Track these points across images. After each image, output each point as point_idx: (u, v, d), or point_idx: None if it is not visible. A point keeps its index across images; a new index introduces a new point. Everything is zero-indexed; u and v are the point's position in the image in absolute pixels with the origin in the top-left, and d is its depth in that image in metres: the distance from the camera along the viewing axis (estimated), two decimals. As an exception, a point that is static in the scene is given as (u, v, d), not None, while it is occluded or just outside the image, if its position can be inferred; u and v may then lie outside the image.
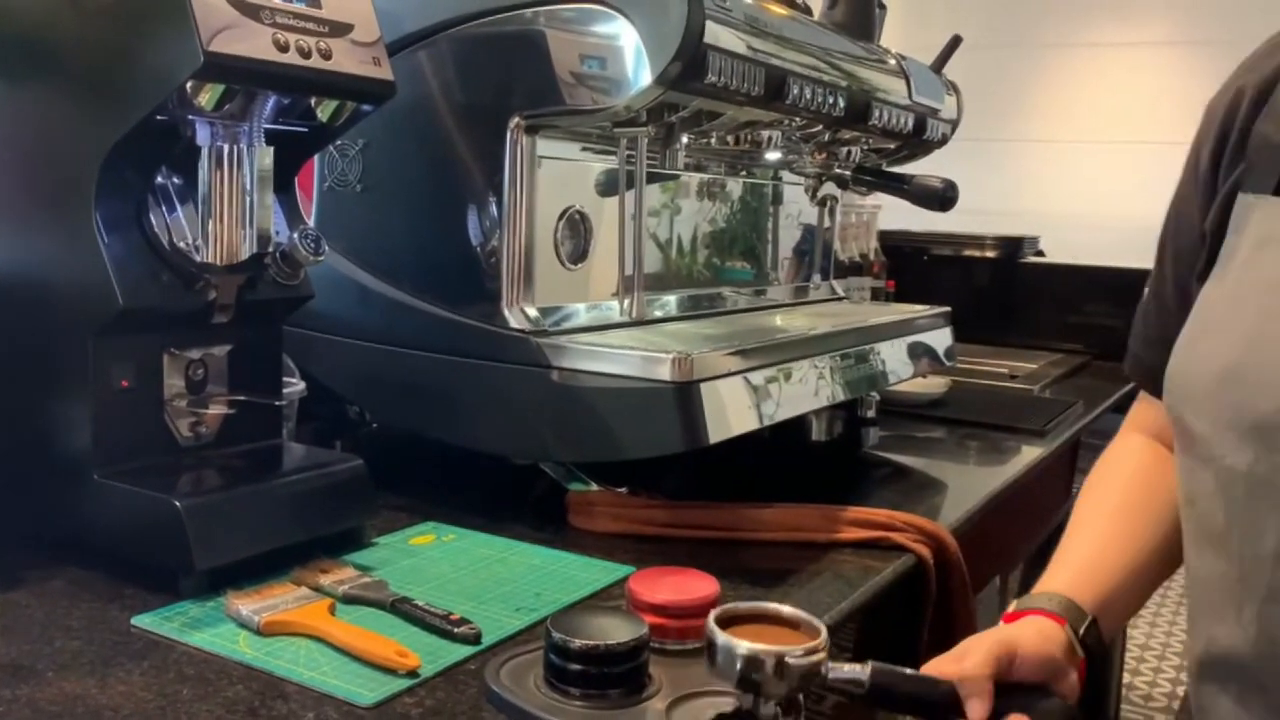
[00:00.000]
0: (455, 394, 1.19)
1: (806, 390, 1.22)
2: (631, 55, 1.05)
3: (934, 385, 1.97)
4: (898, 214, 3.11)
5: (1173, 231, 0.90)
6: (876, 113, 1.44)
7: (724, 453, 1.11)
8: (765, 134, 1.36)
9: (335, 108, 1.01)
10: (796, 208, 1.72)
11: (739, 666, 0.69)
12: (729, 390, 1.11)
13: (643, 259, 1.20)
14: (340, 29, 0.97)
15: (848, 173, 1.53)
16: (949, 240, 2.95)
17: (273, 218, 1.01)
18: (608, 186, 1.29)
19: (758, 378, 1.14)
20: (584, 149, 1.26)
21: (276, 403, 1.05)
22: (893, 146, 1.64)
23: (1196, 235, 0.84)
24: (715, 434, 1.08)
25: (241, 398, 1.03)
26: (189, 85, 0.88)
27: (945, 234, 2.96)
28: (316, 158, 1.30)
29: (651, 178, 1.34)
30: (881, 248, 2.85)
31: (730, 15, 1.09)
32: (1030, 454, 1.64)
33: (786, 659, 0.69)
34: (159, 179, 0.97)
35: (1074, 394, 2.11)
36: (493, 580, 0.99)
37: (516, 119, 1.13)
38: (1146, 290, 0.94)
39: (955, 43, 1.69)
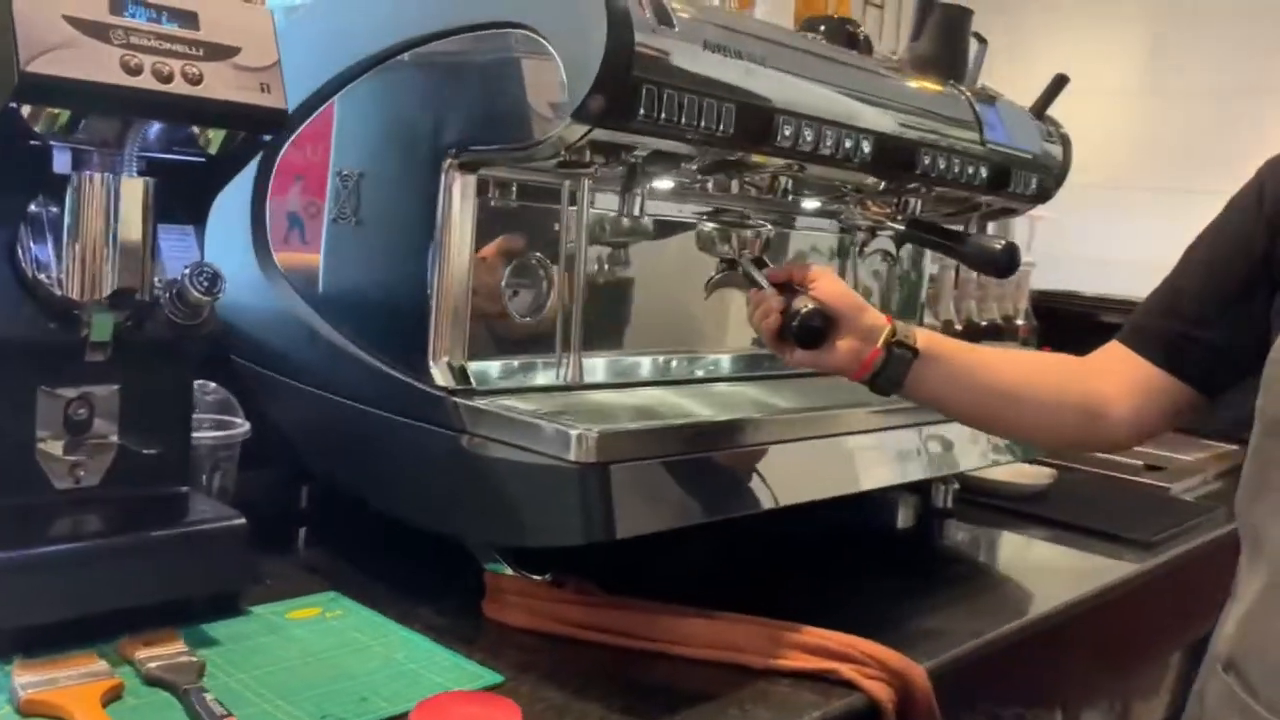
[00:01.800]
0: (378, 452, 1.08)
1: (770, 482, 1.04)
2: (555, 87, 0.92)
3: (1034, 475, 1.71)
4: (1066, 273, 2.79)
5: (1214, 244, 1.01)
6: (927, 159, 1.24)
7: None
8: (781, 179, 1.19)
9: (225, 137, 0.94)
10: (867, 260, 1.53)
11: None
12: (650, 476, 0.95)
13: (580, 316, 1.05)
14: (221, 52, 0.89)
15: (901, 227, 1.33)
16: (1121, 306, 2.61)
17: (150, 253, 0.93)
18: (592, 233, 1.16)
19: (695, 463, 0.98)
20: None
21: (145, 450, 0.97)
22: (969, 199, 1.42)
23: (1252, 258, 0.97)
24: (628, 526, 0.92)
25: (114, 440, 0.97)
26: (26, 109, 0.83)
27: (1119, 299, 2.62)
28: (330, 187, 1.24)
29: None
30: (1034, 309, 2.56)
31: (678, 41, 0.94)
32: (1117, 571, 1.37)
33: None
34: (34, 207, 0.92)
35: (1227, 497, 1.78)
36: (333, 674, 0.87)
37: (449, 157, 1.02)
38: (1164, 282, 1.04)
39: (1059, 83, 1.45)
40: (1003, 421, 1.07)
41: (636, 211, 1.05)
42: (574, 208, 1.05)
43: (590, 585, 1.04)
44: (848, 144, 1.12)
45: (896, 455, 1.20)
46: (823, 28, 1.34)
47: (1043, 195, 1.48)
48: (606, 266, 1.15)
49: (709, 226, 1.15)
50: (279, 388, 1.20)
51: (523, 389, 1.07)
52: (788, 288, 1.02)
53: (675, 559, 1.17)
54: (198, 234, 1.02)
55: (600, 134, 0.94)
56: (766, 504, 1.03)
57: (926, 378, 1.01)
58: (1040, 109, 1.47)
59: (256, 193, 1.23)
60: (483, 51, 0.98)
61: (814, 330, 0.98)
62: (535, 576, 1.03)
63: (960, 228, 1.51)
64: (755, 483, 1.03)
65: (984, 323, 2.35)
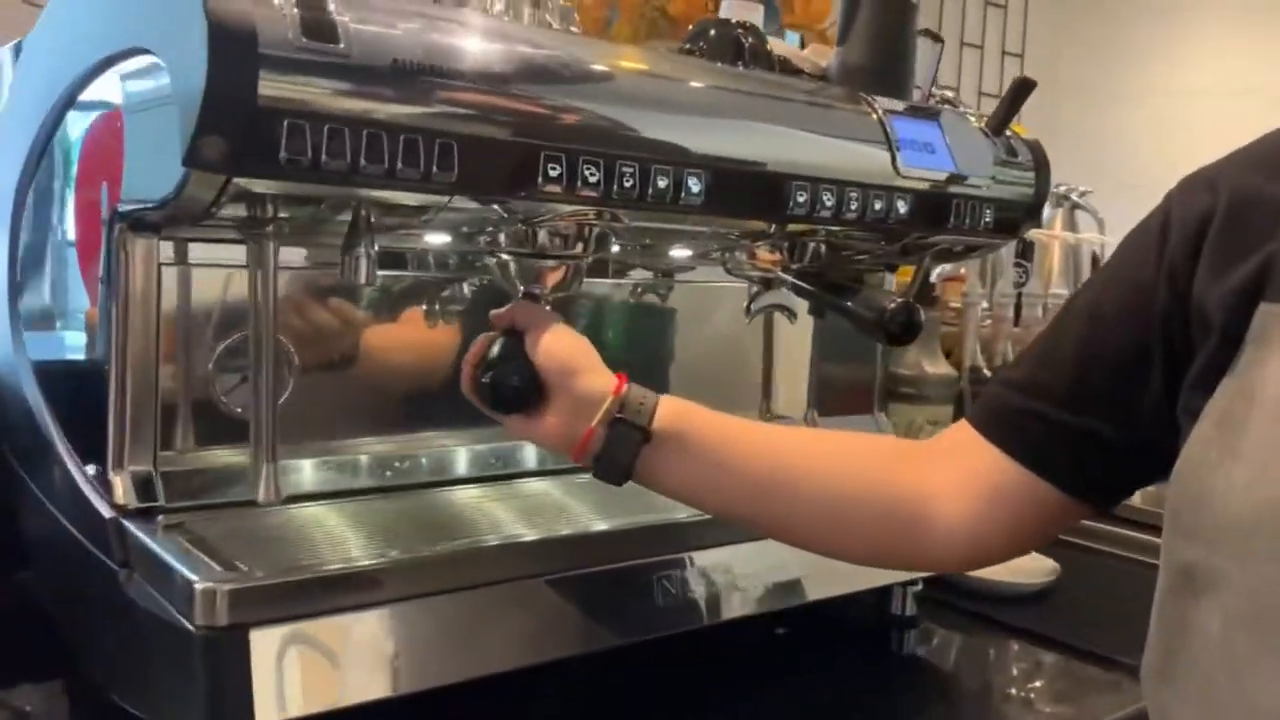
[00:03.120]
0: (64, 582, 0.89)
1: (504, 635, 0.79)
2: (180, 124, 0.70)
3: (1032, 572, 1.39)
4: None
5: (1101, 297, 0.75)
6: (802, 195, 0.97)
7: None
8: (588, 229, 0.94)
9: None
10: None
11: None
12: (313, 640, 0.71)
13: (272, 410, 0.81)
14: None
15: (788, 278, 1.06)
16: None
17: None
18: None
19: (371, 621, 0.74)
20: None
21: None
22: (902, 236, 1.13)
23: (1148, 317, 0.70)
24: (274, 710, 0.70)
25: None
26: None
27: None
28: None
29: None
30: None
31: (348, 60, 0.70)
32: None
33: None
34: None
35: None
36: None
37: (118, 219, 0.81)
38: (1035, 341, 0.80)
39: (1023, 88, 1.14)
40: (779, 527, 0.80)
41: (363, 277, 0.82)
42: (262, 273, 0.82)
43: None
44: (661, 183, 0.86)
45: (697, 588, 0.92)
46: (713, 32, 1.10)
47: (1006, 228, 1.17)
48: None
49: (501, 258, 0.90)
50: (16, 483, 1.02)
51: (230, 504, 0.85)
52: (517, 334, 0.80)
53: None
54: None
55: (268, 186, 0.73)
56: (501, 665, 0.78)
57: (668, 465, 0.76)
58: (1000, 124, 1.17)
59: (10, 255, 1.05)
60: (130, 87, 0.77)
61: (508, 392, 0.77)
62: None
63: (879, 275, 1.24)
64: (483, 637, 0.78)
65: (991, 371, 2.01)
